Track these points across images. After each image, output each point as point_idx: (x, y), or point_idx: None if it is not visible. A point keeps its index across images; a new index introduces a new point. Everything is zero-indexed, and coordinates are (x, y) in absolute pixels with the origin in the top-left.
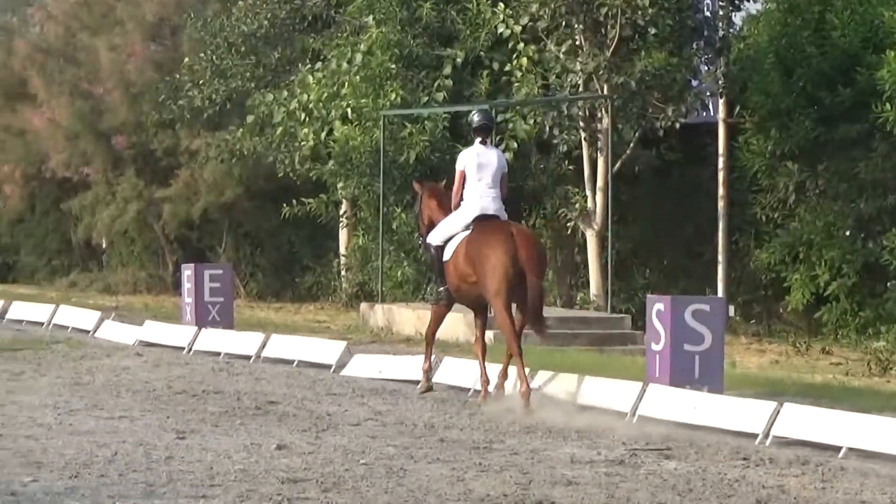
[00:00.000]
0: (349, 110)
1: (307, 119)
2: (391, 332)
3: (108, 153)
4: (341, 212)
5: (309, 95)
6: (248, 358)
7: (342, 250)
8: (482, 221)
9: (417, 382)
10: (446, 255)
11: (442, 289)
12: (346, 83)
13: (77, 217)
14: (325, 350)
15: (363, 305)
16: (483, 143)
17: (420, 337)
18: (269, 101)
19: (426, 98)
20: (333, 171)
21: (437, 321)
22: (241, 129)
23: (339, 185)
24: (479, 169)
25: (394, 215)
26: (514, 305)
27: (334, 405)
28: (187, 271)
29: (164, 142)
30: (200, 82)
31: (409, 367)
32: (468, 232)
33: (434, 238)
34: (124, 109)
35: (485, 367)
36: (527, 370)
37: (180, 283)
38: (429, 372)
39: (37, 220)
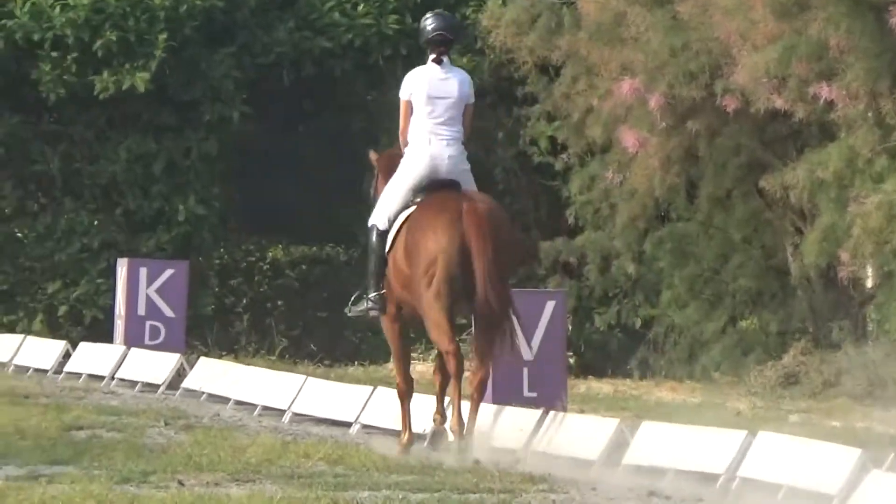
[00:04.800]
0: None
1: None
2: None
3: None
4: None
5: None
6: None
7: None
8: (430, 195)
9: None
10: (388, 244)
11: (373, 294)
12: None
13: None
14: None
15: None
16: (438, 61)
17: None
18: None
19: None
20: None
21: (396, 342)
22: None
23: None
24: (430, 98)
25: None
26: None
27: None
28: None
29: None
30: None
31: None
32: (411, 210)
33: (377, 218)
34: None
35: (442, 402)
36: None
37: None
38: (407, 418)
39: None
